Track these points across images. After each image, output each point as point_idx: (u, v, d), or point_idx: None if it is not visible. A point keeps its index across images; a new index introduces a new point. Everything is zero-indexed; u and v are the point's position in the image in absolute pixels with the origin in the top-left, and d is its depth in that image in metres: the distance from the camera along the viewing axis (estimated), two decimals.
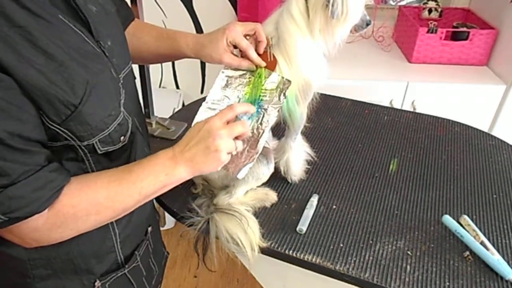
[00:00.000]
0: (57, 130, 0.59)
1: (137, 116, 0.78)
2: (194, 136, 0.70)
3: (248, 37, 0.88)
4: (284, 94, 0.84)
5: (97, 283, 0.74)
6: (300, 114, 0.95)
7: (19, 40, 0.52)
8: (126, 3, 0.89)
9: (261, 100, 0.84)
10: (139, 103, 0.85)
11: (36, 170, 0.56)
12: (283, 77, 0.86)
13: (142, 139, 0.79)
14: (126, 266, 0.79)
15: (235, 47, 0.87)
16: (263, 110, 0.83)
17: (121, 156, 0.72)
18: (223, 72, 0.89)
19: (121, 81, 0.69)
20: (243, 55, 0.87)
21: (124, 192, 0.65)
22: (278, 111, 0.83)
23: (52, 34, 0.56)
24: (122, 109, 0.67)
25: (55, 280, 0.71)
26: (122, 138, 0.68)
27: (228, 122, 0.72)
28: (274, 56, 0.88)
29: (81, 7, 0.62)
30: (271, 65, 0.87)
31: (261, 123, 0.82)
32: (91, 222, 0.64)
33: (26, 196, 0.55)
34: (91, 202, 0.63)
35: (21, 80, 0.52)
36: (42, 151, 0.58)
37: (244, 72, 0.88)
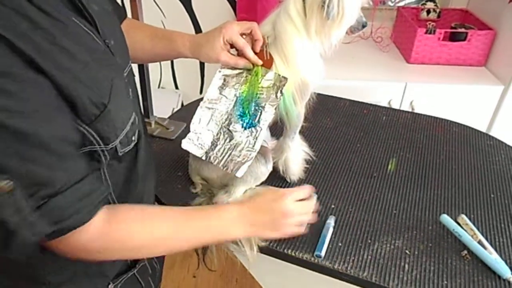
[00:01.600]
0: (85, 131, 0.58)
1: (139, 114, 0.78)
2: (266, 204, 0.76)
3: (244, 36, 0.88)
4: (281, 91, 0.84)
5: (110, 286, 0.74)
6: (297, 113, 0.95)
7: (44, 42, 0.51)
8: (117, 1, 0.88)
9: (258, 98, 0.85)
10: (139, 102, 0.85)
11: (81, 178, 0.55)
12: (279, 75, 0.86)
13: (145, 138, 0.79)
14: (136, 266, 0.79)
15: (231, 46, 0.88)
16: (260, 108, 0.83)
17: (128, 156, 0.71)
18: (220, 71, 0.89)
19: (126, 80, 0.70)
20: (240, 53, 0.88)
21: (181, 236, 0.67)
22: (275, 108, 0.83)
23: (70, 36, 0.55)
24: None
25: (70, 285, 0.70)
26: (133, 137, 0.68)
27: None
28: (270, 55, 0.88)
29: (86, 7, 0.62)
30: (268, 64, 0.88)
31: (258, 121, 0.83)
32: (137, 254, 0.65)
33: (72, 205, 0.54)
34: (147, 238, 0.63)
35: (53, 80, 0.52)
36: (82, 157, 0.57)
37: (241, 70, 0.89)
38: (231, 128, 0.84)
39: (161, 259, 0.96)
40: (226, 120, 0.85)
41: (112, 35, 0.67)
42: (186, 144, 0.86)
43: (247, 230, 0.75)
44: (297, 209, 0.80)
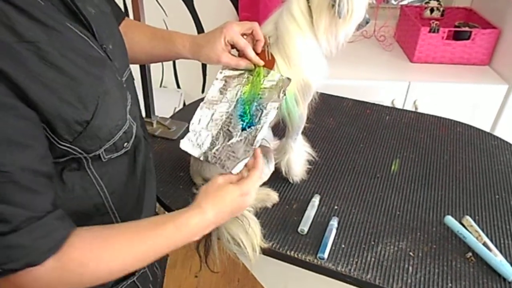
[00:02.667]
0: (68, 148, 0.56)
1: (140, 119, 0.77)
2: (229, 206, 0.72)
3: (245, 37, 0.87)
4: (284, 92, 0.83)
5: None
6: (300, 114, 0.94)
7: (29, 56, 0.49)
8: (115, 2, 0.87)
9: (260, 98, 0.84)
10: (139, 105, 0.84)
11: (41, 217, 0.51)
12: (282, 75, 0.85)
13: (146, 143, 0.78)
14: (135, 273, 0.78)
15: (232, 47, 0.87)
16: (262, 108, 0.82)
17: (123, 161, 0.69)
18: (221, 72, 0.88)
19: (124, 85, 0.69)
20: (241, 54, 0.87)
21: (141, 256, 0.62)
22: (277, 108, 0.82)
23: (62, 45, 0.53)
24: (128, 116, 0.66)
25: None
26: (125, 144, 0.67)
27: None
28: (272, 55, 0.87)
29: (82, 10, 0.60)
30: (270, 64, 0.87)
31: (259, 121, 0.82)
32: (103, 281, 0.59)
33: (26, 245, 0.50)
34: (110, 265, 0.58)
35: (34, 100, 0.49)
36: (49, 191, 0.54)
37: (242, 71, 0.88)
38: (230, 128, 0.83)
39: (162, 264, 0.95)
40: (226, 120, 0.84)
41: (110, 38, 0.66)
42: (184, 145, 0.85)
43: (209, 230, 0.72)
44: (253, 194, 0.77)
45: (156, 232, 0.63)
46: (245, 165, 0.78)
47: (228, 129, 0.83)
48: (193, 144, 0.85)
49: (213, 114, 0.86)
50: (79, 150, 0.58)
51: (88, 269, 0.56)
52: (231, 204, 0.73)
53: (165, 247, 0.64)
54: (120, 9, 0.88)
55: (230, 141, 0.82)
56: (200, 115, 0.86)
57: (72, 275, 0.56)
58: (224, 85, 0.87)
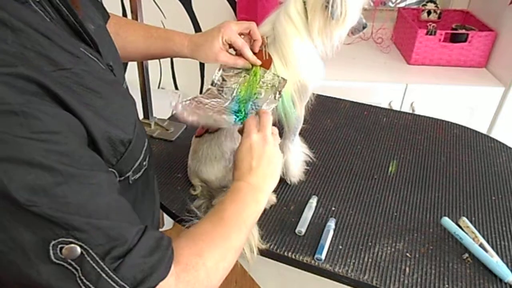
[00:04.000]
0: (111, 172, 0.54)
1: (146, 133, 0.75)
2: (259, 160, 0.69)
3: (243, 36, 0.88)
4: (280, 92, 0.83)
5: None
6: (296, 115, 0.95)
7: (69, 83, 0.46)
8: (99, 1, 0.83)
9: (256, 98, 0.84)
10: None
11: (144, 229, 0.49)
12: (278, 76, 0.86)
13: (152, 156, 0.75)
14: None
15: (230, 46, 0.87)
16: (257, 107, 0.82)
17: (143, 179, 0.66)
18: (218, 71, 0.89)
19: None
20: (238, 53, 0.87)
21: (232, 230, 0.61)
22: (273, 109, 0.82)
23: (88, 70, 0.50)
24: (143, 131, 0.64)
25: None
26: (144, 163, 0.64)
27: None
28: (269, 55, 0.88)
29: (86, 29, 0.56)
30: (267, 64, 0.87)
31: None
32: (220, 271, 0.56)
33: (148, 261, 0.47)
34: (213, 251, 0.56)
35: (86, 123, 0.46)
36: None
37: (239, 70, 0.88)
38: (223, 116, 0.81)
39: None
40: (221, 109, 0.83)
41: (110, 54, 0.64)
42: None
43: (264, 191, 0.69)
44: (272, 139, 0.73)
45: (238, 222, 0.62)
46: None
47: (219, 115, 0.82)
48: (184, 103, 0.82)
49: (207, 103, 0.84)
50: (117, 174, 0.55)
51: (206, 258, 0.54)
52: (263, 155, 0.69)
53: (246, 233, 0.63)
54: (104, 8, 0.85)
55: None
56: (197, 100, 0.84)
57: (199, 271, 0.53)
58: (221, 83, 0.87)
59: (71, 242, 0.41)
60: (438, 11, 2.05)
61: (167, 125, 1.29)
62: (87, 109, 0.47)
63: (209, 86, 0.87)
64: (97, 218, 0.43)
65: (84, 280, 0.42)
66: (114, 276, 0.43)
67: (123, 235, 0.45)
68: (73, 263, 0.41)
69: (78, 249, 0.41)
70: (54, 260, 0.40)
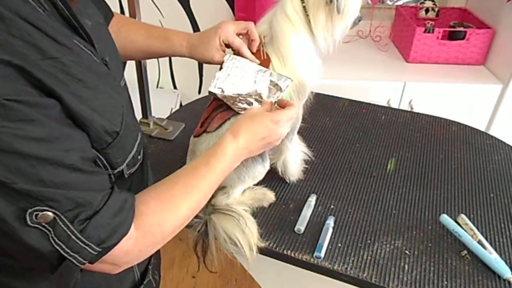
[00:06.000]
0: (96, 157, 0.57)
1: (140, 128, 0.77)
2: (260, 133, 0.75)
3: (240, 36, 0.88)
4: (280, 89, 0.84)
5: None
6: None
7: (55, 71, 0.49)
8: (102, 0, 0.85)
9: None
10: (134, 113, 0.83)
11: (110, 194, 0.54)
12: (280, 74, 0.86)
13: (147, 152, 0.77)
14: (143, 282, 0.78)
15: (227, 46, 0.87)
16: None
17: (138, 174, 0.69)
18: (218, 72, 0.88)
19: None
20: (236, 53, 0.87)
21: (200, 198, 0.66)
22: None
23: (76, 60, 0.53)
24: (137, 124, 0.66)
25: None
26: (139, 157, 0.67)
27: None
28: (267, 55, 0.88)
29: (82, 24, 0.58)
30: (265, 64, 0.87)
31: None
32: (176, 233, 0.64)
33: (111, 222, 0.53)
34: (177, 218, 0.62)
35: (70, 109, 0.50)
36: (104, 172, 0.57)
37: None
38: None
39: (159, 267, 0.95)
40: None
41: (106, 50, 0.65)
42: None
43: (244, 156, 0.76)
44: (286, 128, 0.80)
45: (206, 172, 0.67)
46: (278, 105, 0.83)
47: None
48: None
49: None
50: (105, 163, 0.58)
51: (165, 227, 0.61)
52: (262, 130, 0.75)
53: (215, 182, 0.69)
54: (108, 7, 0.85)
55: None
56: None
57: (156, 237, 0.60)
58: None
59: (45, 210, 0.47)
60: (436, 9, 2.05)
61: (166, 125, 1.29)
62: (72, 97, 0.50)
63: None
64: (68, 189, 0.49)
65: (57, 240, 0.49)
66: (81, 236, 0.50)
67: (90, 201, 0.51)
68: (46, 225, 0.48)
69: (51, 215, 0.48)
70: (30, 224, 0.47)
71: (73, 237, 0.50)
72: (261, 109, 0.80)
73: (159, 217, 0.60)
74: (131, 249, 0.57)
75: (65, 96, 0.49)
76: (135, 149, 0.64)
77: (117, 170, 0.61)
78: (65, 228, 0.49)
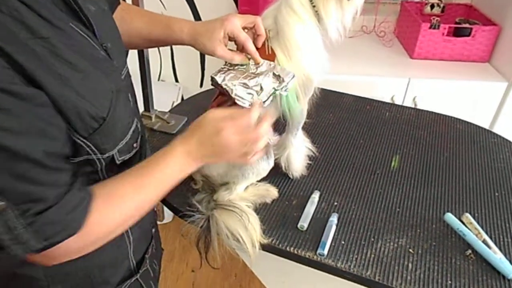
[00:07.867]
0: (82, 143, 0.57)
1: (139, 119, 0.76)
2: (206, 138, 0.68)
3: (246, 30, 0.86)
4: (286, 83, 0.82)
5: None
6: (300, 110, 0.94)
7: (43, 51, 0.49)
8: None
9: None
10: (137, 104, 0.82)
11: (67, 191, 0.54)
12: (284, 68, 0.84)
13: (146, 141, 0.78)
14: (139, 271, 0.78)
15: (231, 39, 0.85)
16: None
17: (132, 162, 0.69)
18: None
19: (124, 83, 0.67)
20: (240, 48, 0.85)
21: (148, 198, 0.64)
22: (277, 104, 0.82)
23: (69, 43, 0.53)
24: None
25: None
26: (135, 145, 0.67)
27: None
28: (272, 50, 0.86)
29: (82, 8, 0.59)
30: (269, 59, 0.86)
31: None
32: (117, 234, 0.63)
33: (62, 219, 0.53)
34: (121, 217, 0.62)
35: (51, 93, 0.50)
36: (70, 168, 0.56)
37: (237, 66, 0.86)
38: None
39: (159, 258, 0.95)
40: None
41: (109, 37, 0.65)
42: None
43: (196, 164, 0.69)
44: (238, 142, 0.69)
45: (156, 173, 0.65)
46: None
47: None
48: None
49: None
50: (93, 148, 0.58)
51: (109, 226, 0.61)
52: (211, 137, 0.67)
53: (165, 184, 0.66)
54: None
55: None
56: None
57: (98, 236, 0.60)
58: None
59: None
60: (442, 5, 2.03)
61: (168, 118, 1.28)
62: (56, 78, 0.50)
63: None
64: (26, 183, 0.49)
65: (1, 229, 0.50)
66: (28, 228, 0.51)
67: (44, 196, 0.51)
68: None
69: (3, 204, 0.49)
70: None
71: (21, 227, 0.50)
72: (229, 111, 0.71)
73: (104, 217, 0.59)
74: (71, 246, 0.57)
75: (47, 79, 0.49)
76: (129, 136, 0.63)
77: (106, 155, 0.60)
78: (15, 219, 0.50)
